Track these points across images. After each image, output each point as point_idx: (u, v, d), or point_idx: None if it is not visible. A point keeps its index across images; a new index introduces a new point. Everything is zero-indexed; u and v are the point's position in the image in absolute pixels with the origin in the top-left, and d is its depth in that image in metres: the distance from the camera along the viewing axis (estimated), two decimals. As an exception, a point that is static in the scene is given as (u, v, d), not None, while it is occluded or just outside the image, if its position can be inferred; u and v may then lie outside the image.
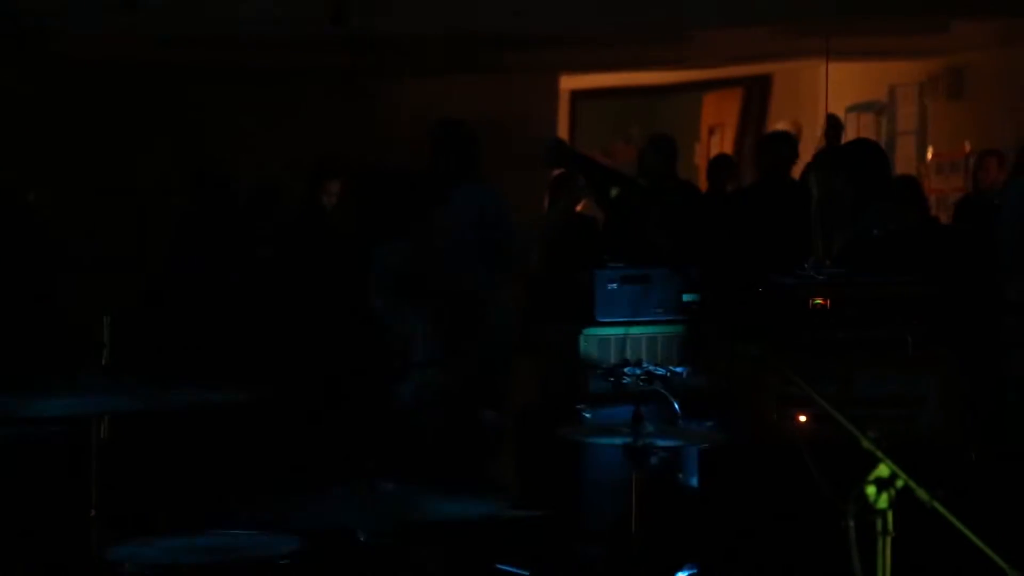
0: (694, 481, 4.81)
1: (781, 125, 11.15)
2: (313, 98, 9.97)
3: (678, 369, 5.42)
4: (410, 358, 4.22)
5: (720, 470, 4.63)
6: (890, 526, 2.35)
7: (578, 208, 8.49)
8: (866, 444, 2.38)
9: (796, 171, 8.25)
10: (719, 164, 9.63)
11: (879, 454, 2.36)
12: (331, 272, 4.42)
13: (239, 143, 9.39)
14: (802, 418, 4.55)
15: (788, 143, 8.08)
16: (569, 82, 11.24)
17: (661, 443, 4.40)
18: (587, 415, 5.27)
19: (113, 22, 8.18)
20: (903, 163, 10.84)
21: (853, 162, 6.59)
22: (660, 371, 5.36)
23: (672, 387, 5.34)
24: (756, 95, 12.19)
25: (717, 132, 12.44)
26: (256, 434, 4.36)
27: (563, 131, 11.23)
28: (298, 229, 8.55)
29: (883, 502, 2.35)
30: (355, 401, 4.13)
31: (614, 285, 5.47)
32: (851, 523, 2.33)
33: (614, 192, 2.36)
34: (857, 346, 4.59)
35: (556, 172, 7.08)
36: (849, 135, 10.88)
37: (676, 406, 5.27)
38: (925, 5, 8.78)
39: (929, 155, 11.22)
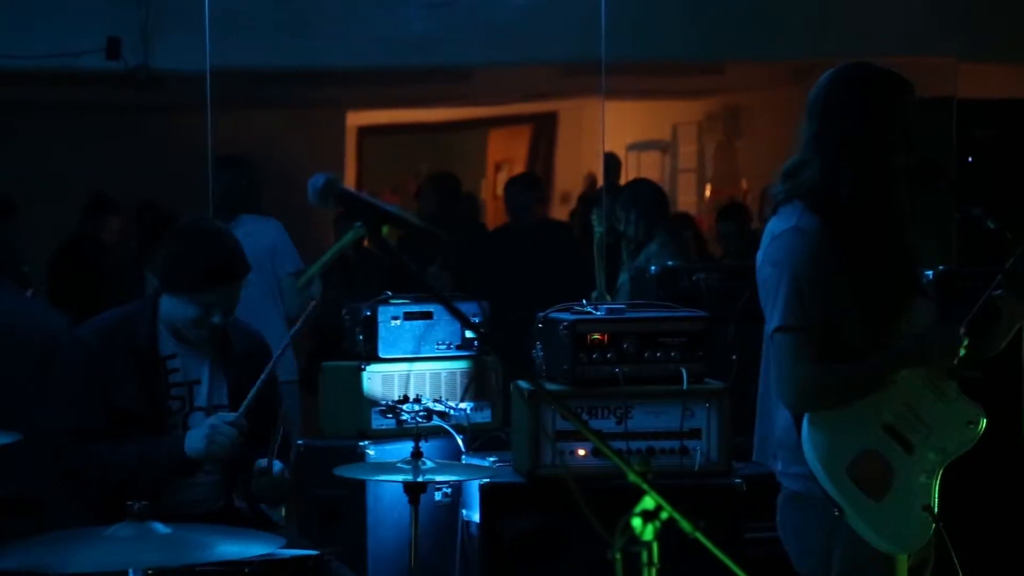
0: (475, 516, 4.84)
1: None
2: (92, 133, 9.77)
3: (462, 405, 5.46)
4: (194, 402, 4.16)
5: (502, 505, 4.67)
6: (655, 557, 2.40)
7: (365, 243, 8.51)
8: (632, 477, 2.42)
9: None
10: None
11: (645, 486, 2.41)
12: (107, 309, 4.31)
13: (14, 176, 9.14)
14: (581, 452, 4.63)
15: (531, 185, 8.37)
16: (356, 118, 11.24)
17: (440, 479, 4.43)
18: (370, 452, 5.27)
19: None
20: (685, 201, 11.10)
21: (632, 201, 6.77)
22: (439, 407, 5.38)
23: (455, 423, 5.38)
24: (544, 132, 12.36)
25: (504, 168, 12.56)
26: (26, 473, 4.25)
27: (351, 167, 11.22)
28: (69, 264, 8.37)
29: (648, 534, 2.39)
30: (133, 444, 4.04)
31: (397, 321, 5.49)
32: (618, 555, 2.37)
33: (385, 230, 2.37)
34: (634, 380, 4.68)
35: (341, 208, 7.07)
36: (633, 173, 11.11)
37: (460, 441, 5.31)
38: (700, 47, 9.04)
39: (708, 193, 11.53)
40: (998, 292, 3.45)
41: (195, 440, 3.99)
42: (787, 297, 3.35)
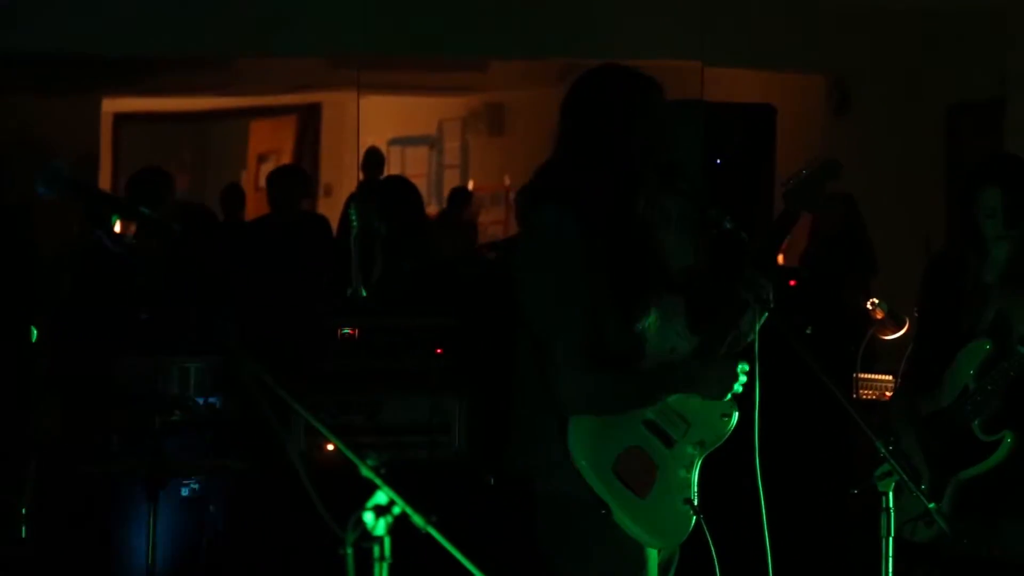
0: (222, 511, 4.78)
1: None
2: None
3: (212, 399, 5.38)
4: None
5: (250, 500, 4.64)
6: (387, 552, 2.39)
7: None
8: (365, 471, 2.42)
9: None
10: (231, 194, 9.70)
11: (378, 481, 2.41)
12: None
13: None
14: (330, 447, 4.61)
15: (296, 177, 8.30)
16: (112, 105, 10.99)
17: (184, 475, 4.37)
18: (117, 449, 5.16)
19: None
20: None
21: (385, 198, 6.77)
22: (188, 402, 5.30)
23: (203, 418, 5.29)
24: (309, 124, 12.29)
25: (271, 159, 12.44)
26: None
27: (106, 156, 10.97)
28: None
29: (380, 528, 2.39)
30: None
31: (147, 316, 5.38)
32: (349, 550, 2.36)
33: (115, 219, 2.32)
34: (385, 375, 4.69)
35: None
36: (398, 168, 11.14)
37: (210, 437, 5.24)
38: (463, 44, 9.11)
39: (471, 189, 11.62)
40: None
41: None
42: (550, 301, 3.31)
